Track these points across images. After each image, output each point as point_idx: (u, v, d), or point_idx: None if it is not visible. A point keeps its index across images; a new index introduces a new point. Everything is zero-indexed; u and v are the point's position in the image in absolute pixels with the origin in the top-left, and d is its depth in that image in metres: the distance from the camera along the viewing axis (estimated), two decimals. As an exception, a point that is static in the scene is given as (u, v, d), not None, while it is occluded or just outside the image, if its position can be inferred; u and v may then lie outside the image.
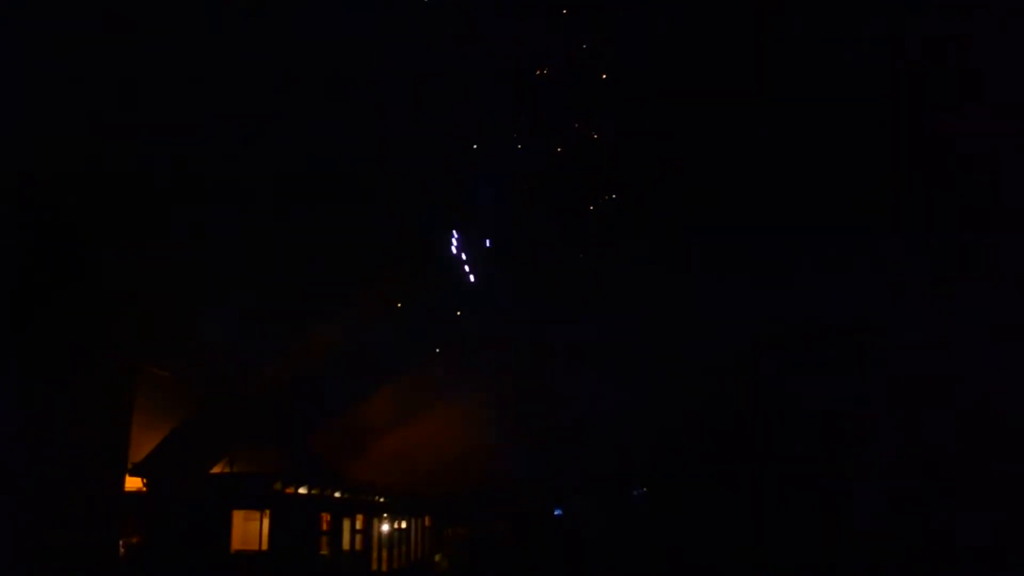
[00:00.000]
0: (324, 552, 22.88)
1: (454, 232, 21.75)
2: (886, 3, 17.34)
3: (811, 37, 17.53)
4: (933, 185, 21.32)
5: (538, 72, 17.93)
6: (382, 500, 28.19)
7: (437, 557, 33.61)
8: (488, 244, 23.48)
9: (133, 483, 18.60)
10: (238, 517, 19.74)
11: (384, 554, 28.15)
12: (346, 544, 24.39)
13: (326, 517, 23.14)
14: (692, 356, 33.13)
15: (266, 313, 18.03)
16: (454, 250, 22.08)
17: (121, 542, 17.86)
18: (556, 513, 44.19)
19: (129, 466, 17.88)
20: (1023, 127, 19.05)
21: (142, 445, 18.71)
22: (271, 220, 16.14)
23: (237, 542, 19.49)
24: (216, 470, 20.93)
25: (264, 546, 19.72)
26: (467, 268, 22.84)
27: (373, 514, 27.06)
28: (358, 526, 25.50)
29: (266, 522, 20.00)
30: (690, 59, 18.06)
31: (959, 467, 26.40)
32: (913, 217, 22.22)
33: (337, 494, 23.68)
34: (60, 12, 11.05)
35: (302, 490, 21.53)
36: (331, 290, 18.92)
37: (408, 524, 31.97)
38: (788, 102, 19.73)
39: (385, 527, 28.25)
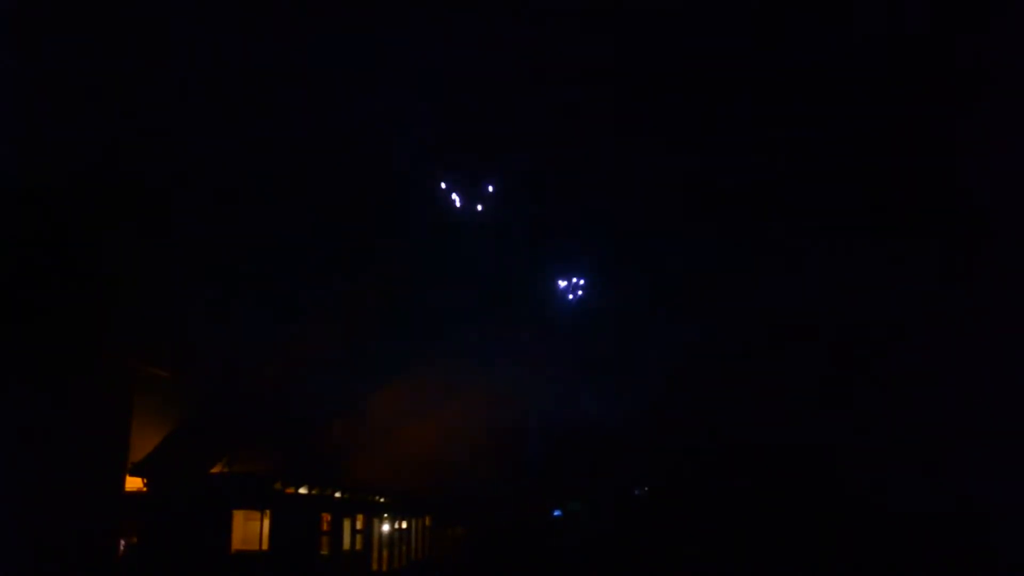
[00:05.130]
0: (324, 552, 22.87)
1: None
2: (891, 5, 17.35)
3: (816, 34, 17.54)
4: (935, 185, 21.33)
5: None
6: (382, 500, 28.18)
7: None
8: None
9: (133, 483, 18.59)
10: (238, 517, 19.73)
11: (384, 554, 28.14)
12: (346, 544, 24.37)
13: (326, 517, 23.12)
14: (693, 355, 33.11)
15: (266, 313, 18.05)
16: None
17: (121, 542, 17.85)
18: (556, 514, 44.15)
19: (129, 466, 17.88)
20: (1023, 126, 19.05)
21: (142, 445, 18.70)
22: (268, 219, 16.15)
23: (237, 542, 19.48)
24: (216, 470, 20.92)
25: (264, 546, 19.71)
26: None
27: (373, 514, 27.04)
28: (358, 526, 25.48)
29: (266, 522, 19.99)
30: (691, 55, 18.02)
31: (959, 465, 26.38)
32: (914, 217, 22.22)
33: (337, 494, 23.68)
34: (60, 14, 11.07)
35: (302, 490, 21.53)
36: (328, 288, 18.95)
37: (408, 524, 31.95)
38: (787, 101, 19.73)
39: (385, 527, 28.24)
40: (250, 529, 19.92)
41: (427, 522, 35.87)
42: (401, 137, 16.97)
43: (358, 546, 25.45)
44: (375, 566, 27.12)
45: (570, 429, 35.82)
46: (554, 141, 19.60)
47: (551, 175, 21.49)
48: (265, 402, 20.45)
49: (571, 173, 21.43)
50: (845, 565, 28.16)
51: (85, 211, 14.02)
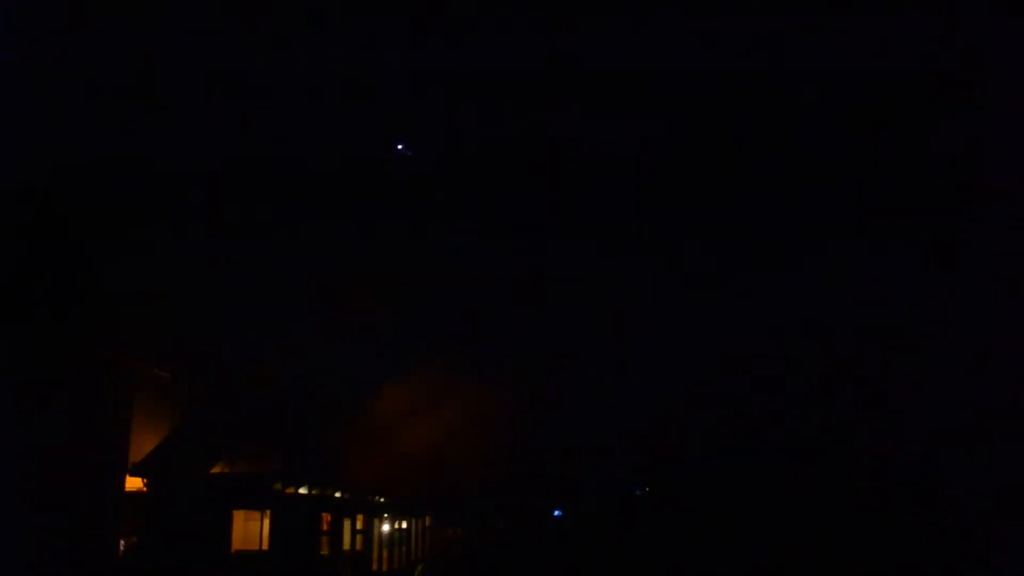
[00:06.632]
0: (324, 552, 22.87)
1: None
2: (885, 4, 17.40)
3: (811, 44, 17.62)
4: (934, 182, 21.34)
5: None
6: (382, 500, 28.18)
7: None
8: None
9: (133, 483, 18.60)
10: (238, 517, 19.72)
11: (384, 554, 28.14)
12: (346, 544, 24.36)
13: (326, 517, 23.12)
14: (693, 355, 33.11)
15: (265, 313, 18.09)
16: None
17: (121, 542, 17.86)
18: (556, 514, 44.10)
19: (129, 466, 17.89)
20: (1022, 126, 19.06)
21: (142, 445, 18.72)
22: (267, 220, 16.21)
23: (237, 542, 19.48)
24: (216, 470, 20.92)
25: (264, 546, 19.71)
26: None
27: (373, 514, 27.04)
28: (358, 526, 25.48)
29: (266, 522, 19.98)
30: (688, 57, 18.08)
31: (959, 463, 26.37)
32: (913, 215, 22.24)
33: (337, 494, 23.67)
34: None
35: (302, 490, 21.53)
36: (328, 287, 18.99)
37: (408, 524, 31.95)
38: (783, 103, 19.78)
39: (385, 527, 28.24)
40: (250, 529, 19.92)
41: (427, 522, 35.87)
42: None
43: (358, 546, 25.45)
44: (375, 566, 27.12)
45: (570, 428, 35.80)
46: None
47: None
48: (265, 402, 20.47)
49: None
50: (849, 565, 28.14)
51: (85, 210, 14.05)
